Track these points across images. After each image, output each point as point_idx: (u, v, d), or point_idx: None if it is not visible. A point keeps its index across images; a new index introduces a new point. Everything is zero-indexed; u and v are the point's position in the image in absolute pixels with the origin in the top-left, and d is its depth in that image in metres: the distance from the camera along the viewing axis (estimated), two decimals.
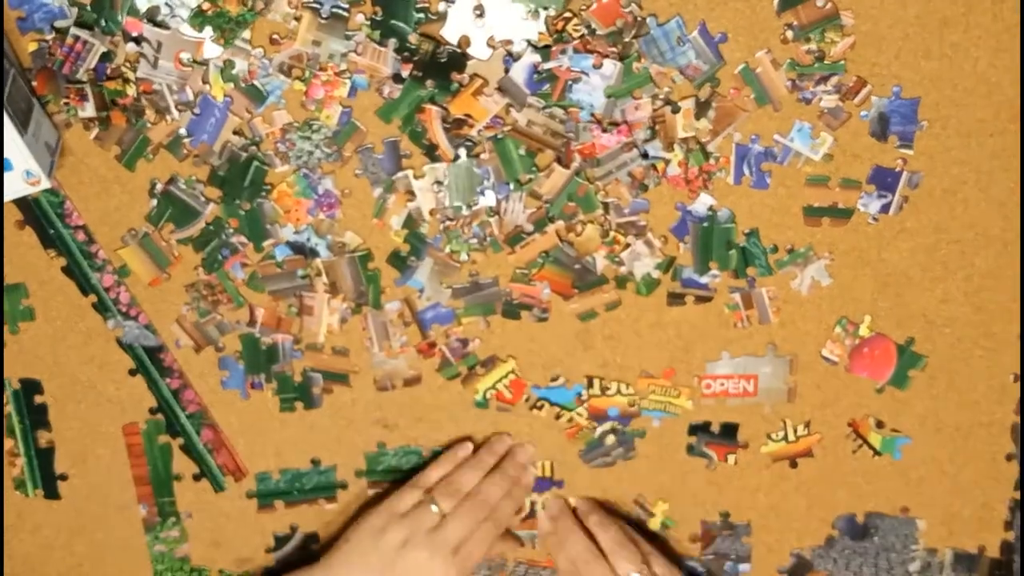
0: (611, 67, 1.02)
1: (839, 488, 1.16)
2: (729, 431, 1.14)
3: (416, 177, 1.06)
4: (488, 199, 1.06)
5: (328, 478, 1.16)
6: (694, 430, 1.14)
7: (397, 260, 1.09)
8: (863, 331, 1.09)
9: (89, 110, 1.03)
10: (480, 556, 1.11)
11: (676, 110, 1.03)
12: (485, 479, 1.13)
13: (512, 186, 1.06)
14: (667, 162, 1.05)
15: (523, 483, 1.15)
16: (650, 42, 1.02)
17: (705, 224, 1.07)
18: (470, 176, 1.06)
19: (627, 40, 1.01)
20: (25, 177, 1.00)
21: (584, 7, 1.01)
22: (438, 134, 1.04)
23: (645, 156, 1.05)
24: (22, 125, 0.98)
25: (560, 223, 1.07)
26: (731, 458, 1.15)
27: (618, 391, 1.13)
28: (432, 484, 1.12)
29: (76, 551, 1.18)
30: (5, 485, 1.15)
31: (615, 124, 1.04)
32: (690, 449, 1.15)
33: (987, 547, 1.17)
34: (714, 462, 1.15)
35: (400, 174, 1.06)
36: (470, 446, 1.14)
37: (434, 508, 1.09)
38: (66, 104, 1.03)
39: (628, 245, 1.08)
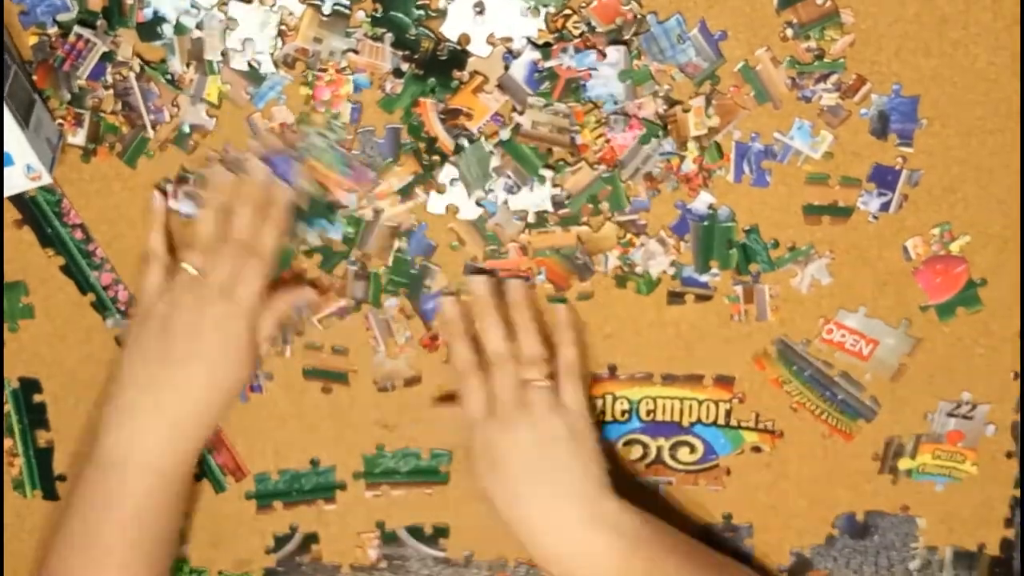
0: (615, 53, 1.02)
1: (839, 487, 1.15)
2: None
3: (439, 192, 1.07)
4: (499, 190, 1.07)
5: (327, 479, 1.15)
6: None
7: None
8: (954, 247, 1.08)
9: (80, 138, 1.05)
10: (254, 290, 1.03)
11: (687, 109, 1.04)
12: (234, 215, 1.05)
13: (536, 179, 1.06)
14: (682, 158, 1.05)
15: (277, 202, 1.06)
16: (650, 39, 1.02)
17: (705, 223, 1.07)
18: (480, 158, 1.06)
19: (627, 38, 1.02)
20: (26, 172, 1.00)
21: (584, 4, 1.01)
22: (435, 126, 1.04)
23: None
24: (23, 120, 0.98)
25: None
26: None
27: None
28: (163, 251, 1.06)
29: None
30: (4, 485, 1.15)
31: (626, 115, 1.05)
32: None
33: (987, 545, 1.17)
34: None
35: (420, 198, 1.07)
36: (159, 195, 1.07)
37: (188, 268, 1.03)
38: (60, 124, 1.04)
39: (642, 245, 1.08)
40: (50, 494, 1.15)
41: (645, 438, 1.14)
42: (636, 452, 1.15)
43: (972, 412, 1.12)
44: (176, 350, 1.02)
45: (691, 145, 1.05)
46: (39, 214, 1.08)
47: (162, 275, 1.05)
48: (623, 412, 1.14)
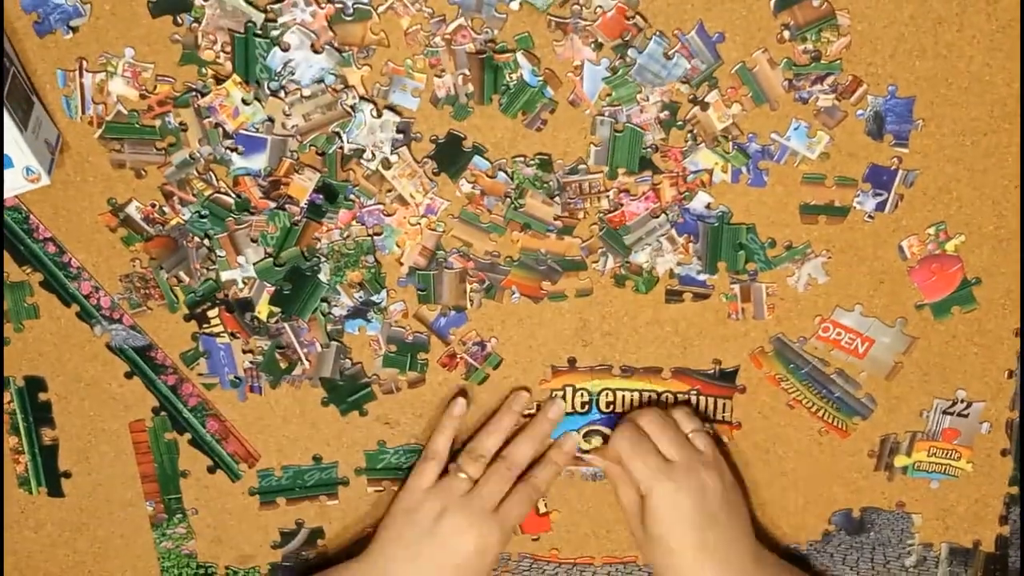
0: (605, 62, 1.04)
1: (835, 484, 1.17)
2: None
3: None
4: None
5: (330, 475, 1.16)
6: None
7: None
8: (949, 247, 1.09)
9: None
10: (521, 516, 1.11)
11: (705, 107, 1.05)
12: (513, 441, 1.12)
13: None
14: (710, 172, 1.07)
15: (563, 448, 1.14)
16: (641, 70, 1.03)
17: (715, 224, 1.08)
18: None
19: (628, 54, 1.03)
20: (25, 174, 1.00)
21: (590, 22, 1.02)
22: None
23: (685, 179, 1.07)
24: (22, 122, 0.99)
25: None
26: None
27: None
28: (445, 454, 1.11)
29: (79, 548, 1.18)
30: (8, 483, 1.16)
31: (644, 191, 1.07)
32: None
33: (982, 541, 1.18)
34: None
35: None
36: (462, 402, 1.13)
37: (462, 475, 1.09)
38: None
39: (650, 243, 1.09)
40: (55, 491, 1.16)
41: (605, 429, 1.15)
42: (596, 442, 1.16)
43: (967, 410, 1.13)
44: (435, 551, 1.07)
45: (716, 155, 1.06)
46: (10, 234, 1.08)
47: (436, 475, 1.10)
48: (583, 404, 1.15)
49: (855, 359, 1.13)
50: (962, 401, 1.13)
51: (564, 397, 1.14)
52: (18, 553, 1.18)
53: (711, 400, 1.15)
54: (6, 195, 1.02)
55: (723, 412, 1.15)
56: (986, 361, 1.12)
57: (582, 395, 1.15)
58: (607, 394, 1.15)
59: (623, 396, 1.15)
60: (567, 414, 1.15)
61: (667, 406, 1.14)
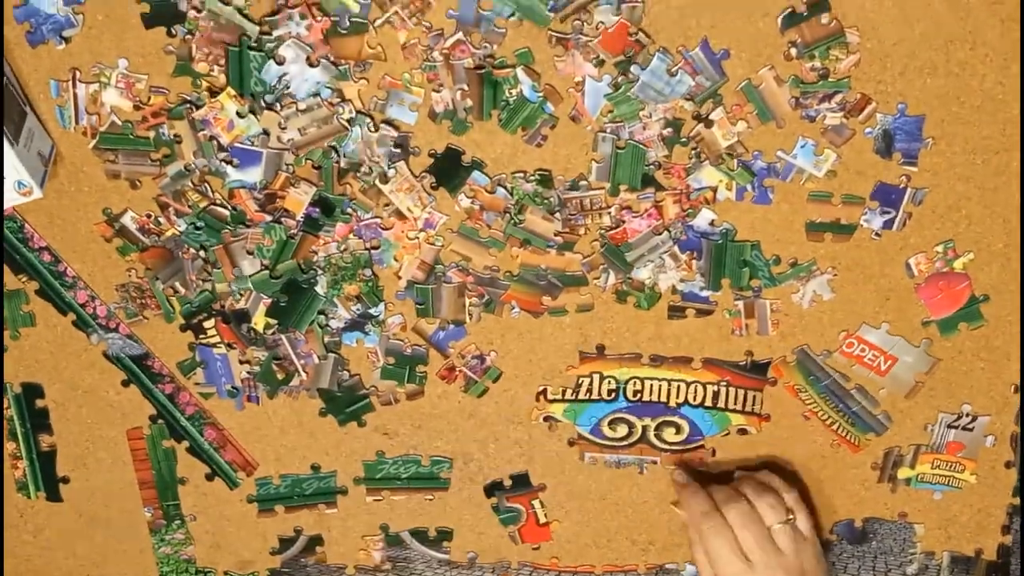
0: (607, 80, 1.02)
1: (838, 494, 1.16)
2: (521, 481, 1.16)
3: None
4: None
5: (328, 484, 1.16)
6: (490, 491, 1.17)
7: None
8: (957, 264, 1.07)
9: None
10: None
11: (709, 124, 1.02)
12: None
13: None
14: (714, 190, 1.05)
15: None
16: (644, 88, 1.01)
17: (719, 241, 1.07)
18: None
19: (631, 71, 1.01)
20: (17, 188, 0.99)
21: (591, 38, 0.99)
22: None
23: (688, 196, 1.05)
24: (14, 136, 0.97)
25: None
26: (536, 503, 1.17)
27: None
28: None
29: (78, 553, 1.19)
30: (7, 487, 1.16)
31: (646, 209, 1.06)
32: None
33: (984, 550, 1.18)
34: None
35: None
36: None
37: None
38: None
39: (653, 261, 1.08)
40: (53, 496, 1.16)
41: (631, 417, 1.15)
42: (621, 431, 1.15)
43: (972, 424, 1.12)
44: None
45: (720, 172, 1.04)
46: (5, 243, 1.07)
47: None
48: (610, 391, 1.14)
49: (876, 376, 1.11)
50: (967, 415, 1.12)
51: (591, 384, 1.13)
52: (17, 557, 1.18)
53: (740, 392, 1.13)
54: None
55: (753, 404, 1.14)
56: (992, 376, 1.11)
57: (609, 383, 1.13)
58: (635, 383, 1.13)
59: (651, 385, 1.13)
60: (593, 401, 1.14)
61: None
